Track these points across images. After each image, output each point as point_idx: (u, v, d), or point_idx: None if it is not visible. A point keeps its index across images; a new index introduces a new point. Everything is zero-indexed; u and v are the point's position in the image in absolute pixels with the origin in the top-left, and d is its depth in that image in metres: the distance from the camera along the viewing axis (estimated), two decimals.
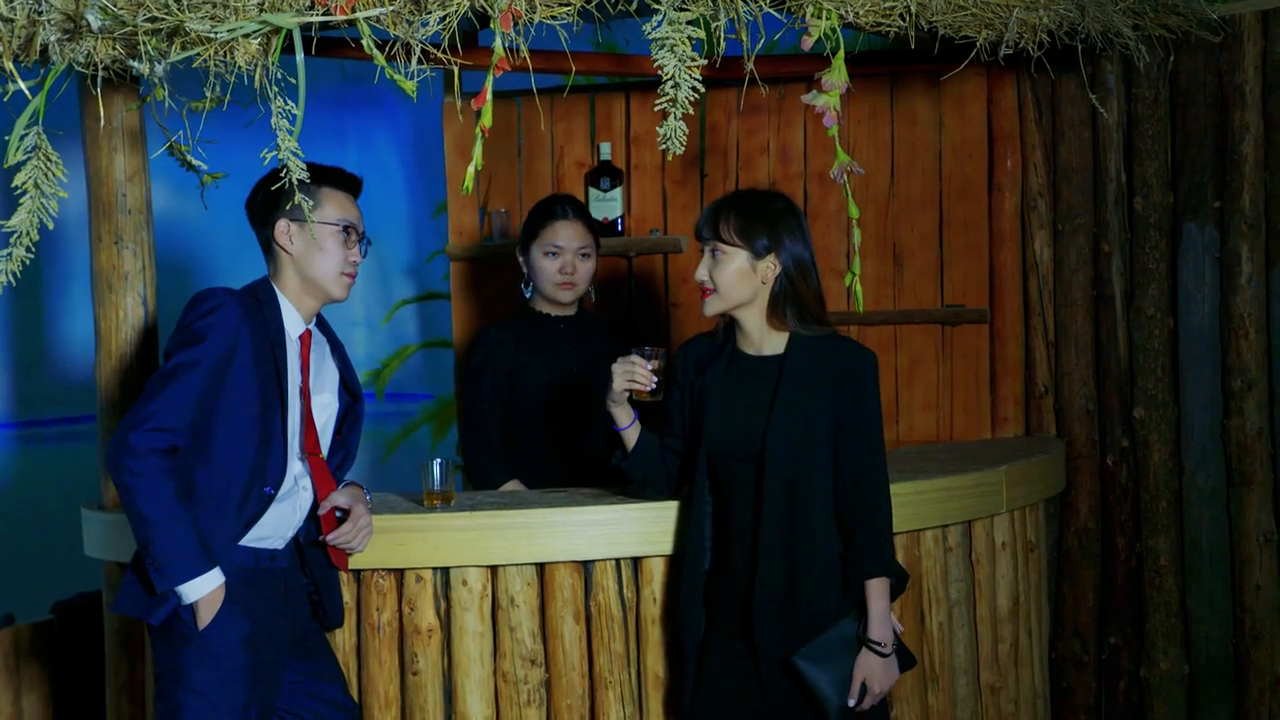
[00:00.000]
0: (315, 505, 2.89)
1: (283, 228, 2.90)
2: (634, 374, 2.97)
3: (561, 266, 3.57)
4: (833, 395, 2.87)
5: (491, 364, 3.59)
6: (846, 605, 2.87)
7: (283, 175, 2.71)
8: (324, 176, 2.93)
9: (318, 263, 2.88)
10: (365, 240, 2.97)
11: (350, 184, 2.97)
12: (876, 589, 2.86)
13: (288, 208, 2.83)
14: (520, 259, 3.65)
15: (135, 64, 2.72)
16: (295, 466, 2.86)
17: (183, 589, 2.70)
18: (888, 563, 2.87)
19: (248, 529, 2.79)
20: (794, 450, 2.87)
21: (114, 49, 2.73)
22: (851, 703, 2.84)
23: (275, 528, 2.83)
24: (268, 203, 2.89)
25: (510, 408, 3.58)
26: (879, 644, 2.85)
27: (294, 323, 2.90)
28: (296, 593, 2.90)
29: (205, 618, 2.71)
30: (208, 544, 2.72)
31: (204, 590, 2.70)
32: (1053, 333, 4.19)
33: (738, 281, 2.91)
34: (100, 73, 2.81)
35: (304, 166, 2.72)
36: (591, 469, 3.51)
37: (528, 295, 3.66)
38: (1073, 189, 4.14)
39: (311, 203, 2.82)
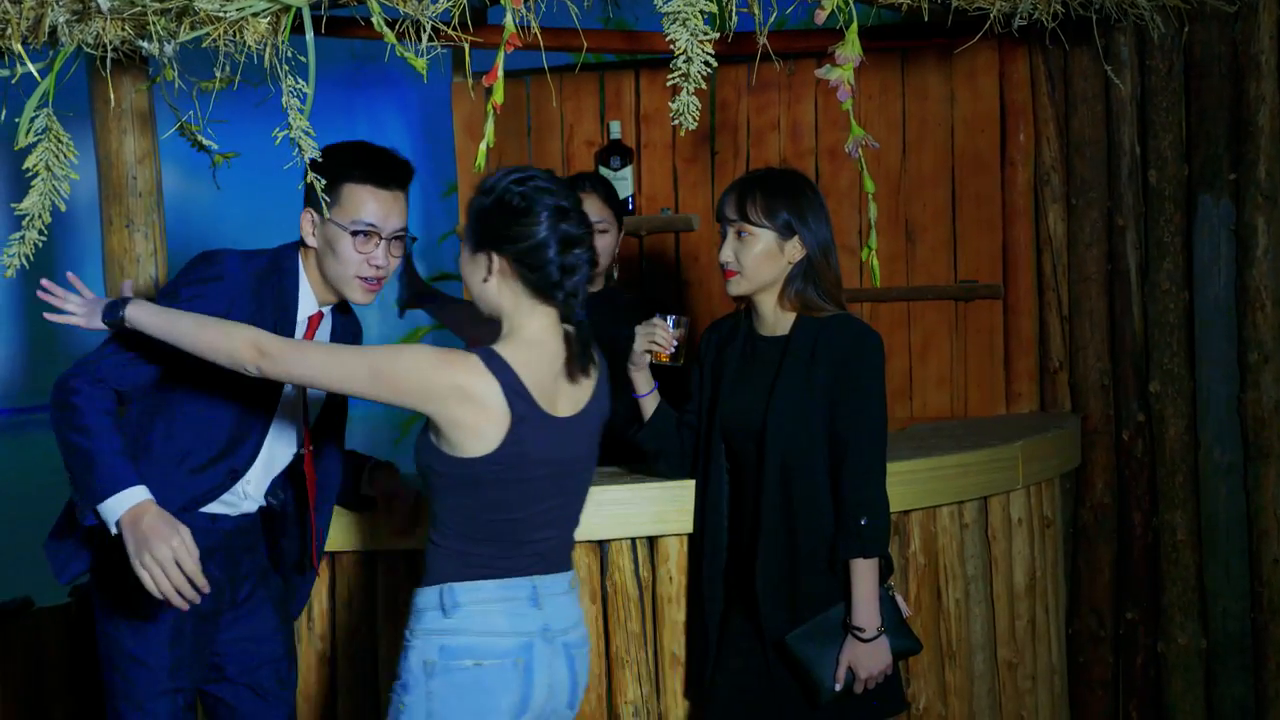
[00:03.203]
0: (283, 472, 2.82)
1: (306, 219, 2.75)
2: (655, 335, 2.97)
3: None
4: (829, 376, 2.85)
5: None
6: (843, 587, 2.85)
7: (294, 156, 2.67)
8: (346, 169, 2.69)
9: (329, 265, 2.73)
10: (402, 238, 2.74)
11: (379, 177, 2.71)
12: (858, 571, 2.81)
13: (315, 197, 2.68)
14: None
15: (144, 44, 2.71)
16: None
17: (103, 507, 2.52)
18: (867, 544, 2.81)
19: (199, 504, 2.70)
20: (790, 431, 2.85)
21: (123, 29, 2.72)
22: (838, 687, 2.82)
23: (228, 502, 2.76)
24: (322, 174, 2.69)
25: None
26: (859, 629, 2.81)
27: (308, 302, 2.80)
28: (239, 553, 2.80)
29: (136, 540, 2.49)
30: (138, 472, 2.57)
31: (124, 505, 2.51)
32: (1067, 307, 4.17)
33: (764, 263, 2.89)
34: (109, 54, 2.79)
35: (316, 146, 2.67)
36: (614, 445, 3.50)
37: None
38: (1086, 162, 4.12)
39: (329, 200, 2.67)
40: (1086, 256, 4.13)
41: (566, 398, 2.51)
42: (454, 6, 2.77)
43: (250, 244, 5.25)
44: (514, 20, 2.69)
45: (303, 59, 2.69)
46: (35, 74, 2.81)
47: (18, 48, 2.70)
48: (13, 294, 5.03)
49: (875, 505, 2.83)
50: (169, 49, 2.69)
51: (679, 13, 2.70)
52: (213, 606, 2.74)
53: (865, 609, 2.81)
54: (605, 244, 3.57)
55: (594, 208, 3.54)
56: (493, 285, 2.49)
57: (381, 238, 2.70)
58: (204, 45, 2.74)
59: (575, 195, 2.55)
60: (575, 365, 2.51)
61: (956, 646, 3.39)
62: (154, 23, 2.65)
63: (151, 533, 2.48)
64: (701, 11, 2.72)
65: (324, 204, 2.67)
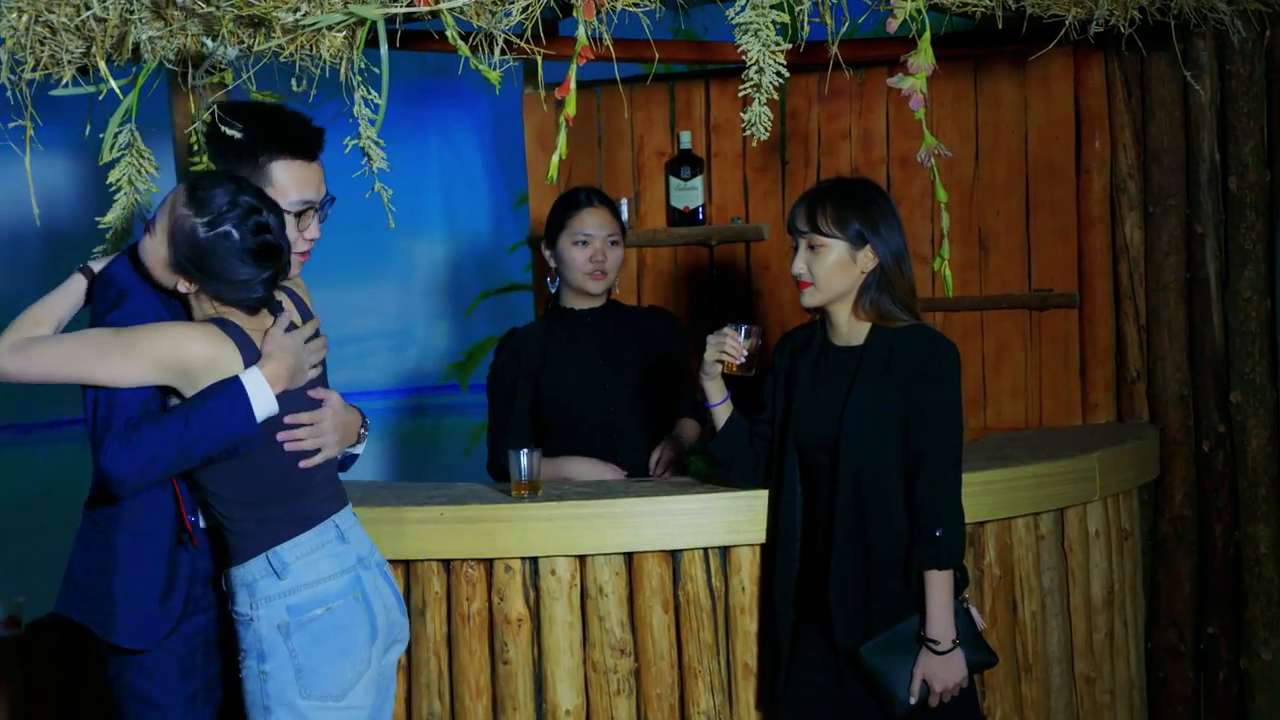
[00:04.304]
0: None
1: None
2: (724, 345, 2.97)
3: (591, 255, 3.49)
4: (904, 386, 2.84)
5: (514, 364, 3.55)
6: (917, 599, 2.83)
7: (362, 164, 2.63)
8: (272, 143, 2.59)
9: None
10: (325, 203, 2.67)
11: (305, 149, 2.63)
12: (933, 583, 2.80)
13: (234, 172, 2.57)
14: (546, 253, 3.58)
15: (208, 42, 2.72)
16: None
17: (254, 405, 2.50)
18: (942, 556, 2.79)
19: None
20: (865, 441, 2.84)
21: (200, 44, 2.76)
22: (913, 700, 2.80)
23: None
24: (215, 157, 2.64)
25: (540, 406, 3.54)
26: (934, 642, 2.79)
27: None
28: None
29: (291, 369, 2.53)
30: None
31: (261, 392, 2.49)
32: (1144, 317, 4.11)
33: (837, 273, 2.88)
34: (190, 70, 2.84)
35: (385, 156, 2.68)
36: (624, 464, 3.49)
37: (553, 290, 3.60)
38: (1164, 170, 4.05)
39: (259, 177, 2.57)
40: (1164, 264, 4.07)
41: None
42: (526, 19, 2.78)
43: (323, 254, 5.27)
44: (586, 32, 2.70)
45: (376, 71, 2.72)
46: (118, 91, 2.86)
47: (102, 65, 2.76)
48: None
49: (950, 517, 2.81)
50: (231, 53, 2.72)
51: (750, 23, 2.70)
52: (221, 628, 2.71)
53: (940, 621, 2.79)
54: (617, 257, 3.55)
55: (604, 221, 3.53)
56: (190, 296, 2.57)
57: (316, 210, 2.67)
58: (281, 59, 2.78)
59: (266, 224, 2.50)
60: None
61: (1033, 660, 3.35)
62: (225, 26, 2.67)
63: (280, 357, 2.52)
64: (773, 22, 2.72)
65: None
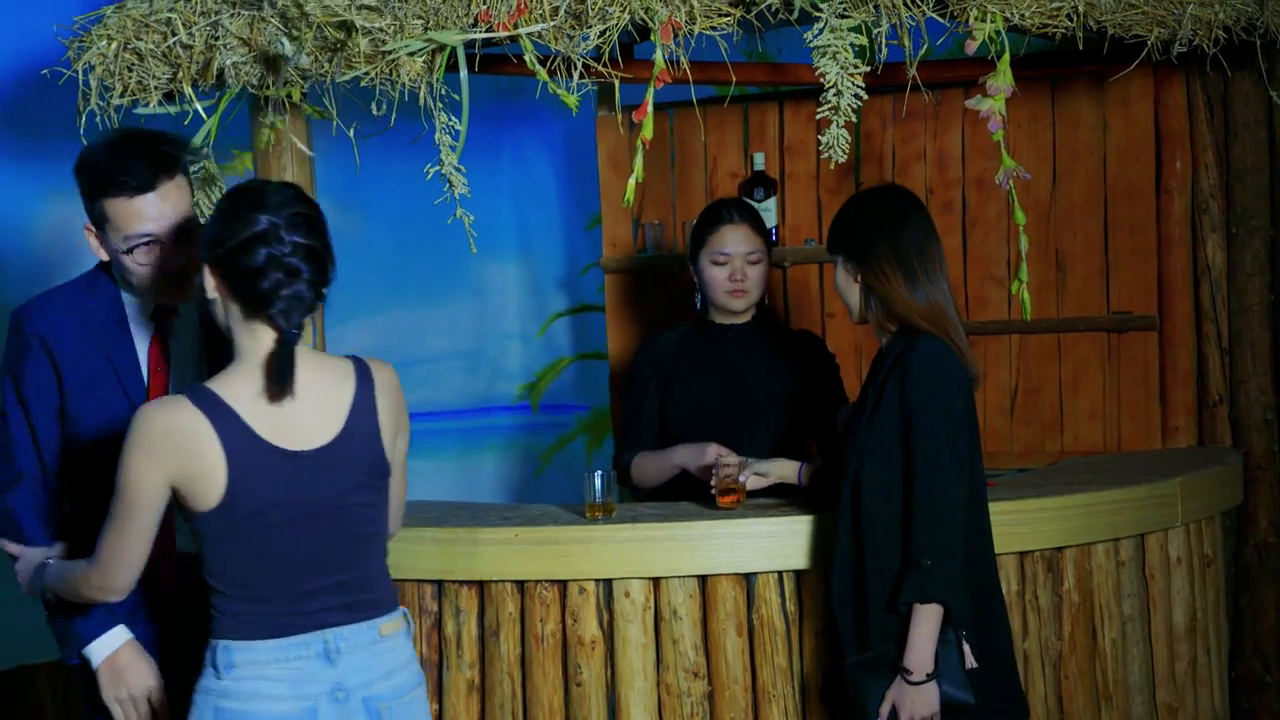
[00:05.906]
0: None
1: (90, 235, 2.57)
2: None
3: (731, 274, 3.42)
4: (897, 396, 2.75)
5: (647, 367, 3.54)
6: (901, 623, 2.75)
7: (444, 190, 2.68)
8: (99, 185, 2.47)
9: (128, 275, 2.56)
10: (186, 228, 2.50)
11: (129, 185, 2.46)
12: (917, 613, 2.68)
13: (91, 213, 2.53)
14: (691, 268, 3.53)
15: (284, 41, 2.74)
16: None
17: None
18: (928, 589, 2.66)
19: None
20: (861, 447, 2.80)
21: (279, 46, 2.79)
22: None
23: None
24: (83, 194, 2.53)
25: (667, 416, 3.53)
26: (907, 671, 2.70)
27: (135, 306, 2.61)
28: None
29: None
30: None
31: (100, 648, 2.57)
32: (1227, 340, 4.04)
33: (844, 289, 2.89)
34: (271, 94, 2.88)
35: (466, 182, 2.73)
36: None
37: (699, 306, 3.55)
38: (1247, 190, 3.99)
39: (100, 220, 2.51)
40: (1248, 287, 4.00)
41: (308, 428, 2.24)
42: (603, 43, 2.80)
43: (397, 278, 5.28)
44: (664, 56, 2.71)
45: (455, 96, 2.75)
46: (202, 113, 2.91)
47: (189, 90, 2.81)
48: None
49: (940, 548, 2.67)
50: (304, 61, 2.74)
51: (828, 46, 2.70)
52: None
53: (918, 652, 2.70)
54: (759, 275, 3.48)
55: (744, 238, 3.48)
56: (217, 303, 2.26)
57: (160, 241, 2.52)
58: (362, 84, 2.81)
59: (294, 209, 2.25)
60: (274, 388, 2.20)
61: (1113, 688, 3.29)
62: (305, 32, 2.70)
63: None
64: (851, 45, 2.72)
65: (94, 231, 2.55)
